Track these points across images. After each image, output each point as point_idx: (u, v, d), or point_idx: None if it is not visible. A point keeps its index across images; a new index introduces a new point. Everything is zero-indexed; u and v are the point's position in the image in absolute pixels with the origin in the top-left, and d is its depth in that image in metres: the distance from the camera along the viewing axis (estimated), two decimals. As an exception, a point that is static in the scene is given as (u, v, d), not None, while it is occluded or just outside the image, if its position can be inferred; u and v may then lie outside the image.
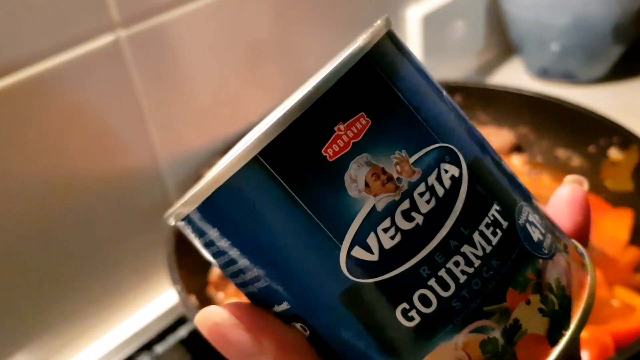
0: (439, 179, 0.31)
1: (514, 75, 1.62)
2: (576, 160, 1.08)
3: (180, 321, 0.94)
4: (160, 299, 1.03)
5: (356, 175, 0.30)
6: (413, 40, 1.35)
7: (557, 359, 0.32)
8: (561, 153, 1.11)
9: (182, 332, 0.93)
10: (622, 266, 0.89)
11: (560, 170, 1.10)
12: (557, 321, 0.33)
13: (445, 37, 1.40)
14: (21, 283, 0.86)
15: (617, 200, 0.98)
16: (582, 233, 0.43)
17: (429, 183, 0.31)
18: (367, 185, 0.30)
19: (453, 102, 0.38)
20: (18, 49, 0.75)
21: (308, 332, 0.33)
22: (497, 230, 0.32)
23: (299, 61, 1.16)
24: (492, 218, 0.32)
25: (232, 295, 0.91)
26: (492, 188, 0.34)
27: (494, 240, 0.32)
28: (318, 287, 0.31)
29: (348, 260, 0.30)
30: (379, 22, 0.35)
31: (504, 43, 1.64)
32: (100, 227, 0.92)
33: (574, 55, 1.42)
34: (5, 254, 0.82)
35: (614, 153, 1.01)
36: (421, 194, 0.31)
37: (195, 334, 0.92)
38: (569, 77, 1.50)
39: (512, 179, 0.36)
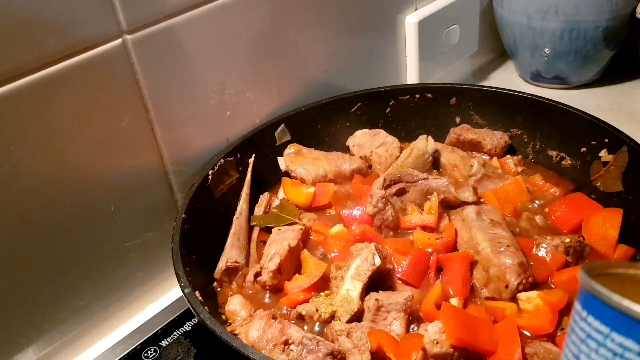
0: None
1: (507, 79, 1.64)
2: (568, 161, 1.10)
3: (185, 316, 0.95)
4: (166, 294, 1.05)
5: None
6: (410, 45, 1.37)
7: None
8: (553, 154, 1.13)
9: (187, 326, 0.94)
10: (612, 263, 0.91)
11: (553, 170, 1.12)
12: None
13: (441, 41, 1.42)
14: (31, 279, 0.87)
15: (607, 200, 1.00)
16: None
17: None
18: None
19: None
20: (29, 53, 0.78)
21: None
22: None
23: (301, 64, 1.18)
24: None
25: (235, 292, 0.93)
26: None
27: None
28: None
29: None
30: None
31: (497, 47, 1.66)
32: (107, 225, 0.94)
33: (566, 59, 1.45)
34: (15, 251, 0.84)
35: (605, 154, 1.02)
36: None
37: (199, 329, 0.94)
38: (561, 80, 1.52)
39: None
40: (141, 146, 0.96)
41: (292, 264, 0.93)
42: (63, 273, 0.91)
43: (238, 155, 1.07)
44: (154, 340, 0.93)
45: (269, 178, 1.13)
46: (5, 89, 0.76)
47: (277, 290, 0.92)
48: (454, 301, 0.84)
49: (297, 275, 0.92)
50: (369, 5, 1.27)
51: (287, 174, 1.13)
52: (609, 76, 1.53)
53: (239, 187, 1.07)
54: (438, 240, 0.94)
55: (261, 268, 0.92)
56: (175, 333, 0.93)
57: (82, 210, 0.90)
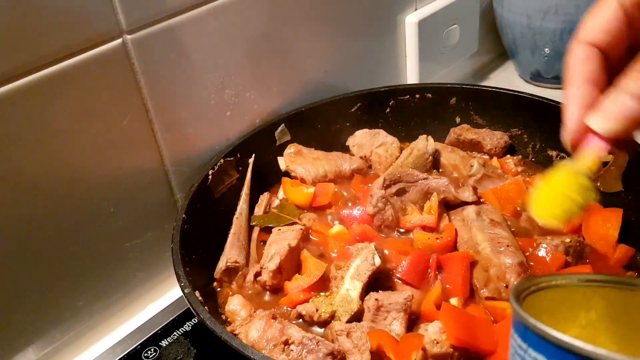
0: None
1: (507, 79, 1.64)
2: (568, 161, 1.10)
3: (185, 316, 0.95)
4: (166, 294, 1.05)
5: None
6: (410, 45, 1.37)
7: None
8: (553, 154, 1.13)
9: (187, 326, 0.94)
10: (613, 263, 0.91)
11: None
12: None
13: (441, 41, 1.42)
14: (31, 280, 0.87)
15: (607, 200, 1.00)
16: None
17: None
18: None
19: None
20: (29, 53, 0.78)
21: None
22: None
23: (301, 64, 1.18)
24: None
25: (235, 292, 0.93)
26: None
27: None
28: None
29: None
30: None
31: (497, 47, 1.66)
32: (107, 225, 0.94)
33: (566, 59, 1.44)
34: (16, 251, 0.84)
35: (605, 154, 1.02)
36: None
37: (199, 329, 0.94)
38: (561, 81, 1.52)
39: None
40: (141, 146, 0.96)
41: (292, 264, 0.93)
42: (63, 273, 0.91)
43: (238, 155, 1.07)
44: (154, 340, 0.93)
45: (269, 178, 1.13)
46: (5, 89, 0.76)
47: (277, 290, 0.92)
48: (454, 301, 0.84)
49: (297, 275, 0.92)
50: (369, 5, 1.26)
51: (287, 174, 1.13)
52: (609, 76, 1.52)
53: (239, 187, 1.07)
54: (438, 240, 0.94)
55: (261, 268, 0.92)
56: (175, 333, 0.93)
57: (82, 211, 0.90)
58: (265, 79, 1.12)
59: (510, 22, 1.48)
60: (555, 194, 0.56)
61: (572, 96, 0.58)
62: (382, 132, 1.19)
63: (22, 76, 0.78)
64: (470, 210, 0.97)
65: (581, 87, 0.57)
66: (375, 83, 1.25)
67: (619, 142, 0.55)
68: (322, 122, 1.19)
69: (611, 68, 0.56)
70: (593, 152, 0.56)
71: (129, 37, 0.88)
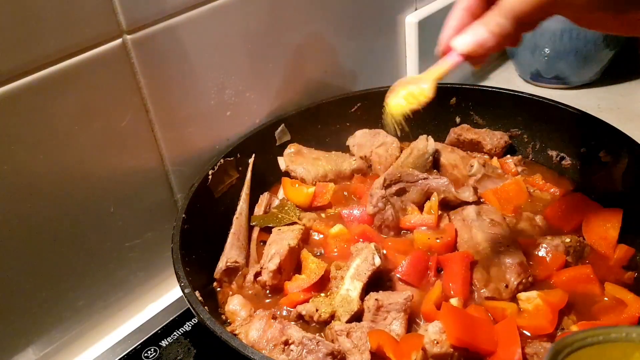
0: None
1: (508, 79, 1.63)
2: (568, 161, 1.10)
3: (185, 316, 0.95)
4: (166, 294, 1.05)
5: None
6: (410, 45, 1.37)
7: None
8: (553, 154, 1.13)
9: (187, 326, 0.94)
10: (613, 263, 0.91)
11: (553, 170, 1.12)
12: None
13: (441, 41, 1.42)
14: (31, 279, 0.87)
15: (607, 200, 1.00)
16: None
17: None
18: None
19: None
20: (29, 53, 0.78)
21: None
22: None
23: (301, 64, 1.18)
24: None
25: (235, 292, 0.93)
26: None
27: None
28: None
29: None
30: None
31: (498, 47, 1.66)
32: (107, 225, 0.94)
33: (566, 59, 1.44)
34: (15, 251, 0.84)
35: (605, 154, 1.02)
36: None
37: (199, 329, 0.94)
38: (561, 80, 1.52)
39: None
40: (141, 146, 0.96)
41: (292, 264, 0.93)
42: (63, 273, 0.90)
43: (238, 155, 1.07)
44: (154, 340, 0.93)
45: (269, 178, 1.13)
46: (5, 89, 0.76)
47: (277, 290, 0.92)
48: (454, 301, 0.84)
49: (297, 275, 0.92)
50: (369, 5, 1.26)
51: (287, 174, 1.13)
52: (609, 76, 1.52)
53: (239, 187, 1.07)
54: (438, 240, 0.94)
55: (261, 268, 0.92)
56: (175, 333, 0.93)
57: (82, 211, 0.90)
58: (265, 79, 1.12)
59: (510, 22, 1.47)
60: (403, 90, 0.82)
61: (451, 20, 0.76)
62: (382, 132, 1.19)
63: (22, 76, 0.77)
64: (470, 210, 0.97)
65: (458, 13, 0.75)
66: (375, 83, 1.25)
67: (471, 59, 0.74)
68: (322, 122, 1.19)
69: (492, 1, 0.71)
70: (447, 63, 0.76)
71: (129, 37, 0.88)
